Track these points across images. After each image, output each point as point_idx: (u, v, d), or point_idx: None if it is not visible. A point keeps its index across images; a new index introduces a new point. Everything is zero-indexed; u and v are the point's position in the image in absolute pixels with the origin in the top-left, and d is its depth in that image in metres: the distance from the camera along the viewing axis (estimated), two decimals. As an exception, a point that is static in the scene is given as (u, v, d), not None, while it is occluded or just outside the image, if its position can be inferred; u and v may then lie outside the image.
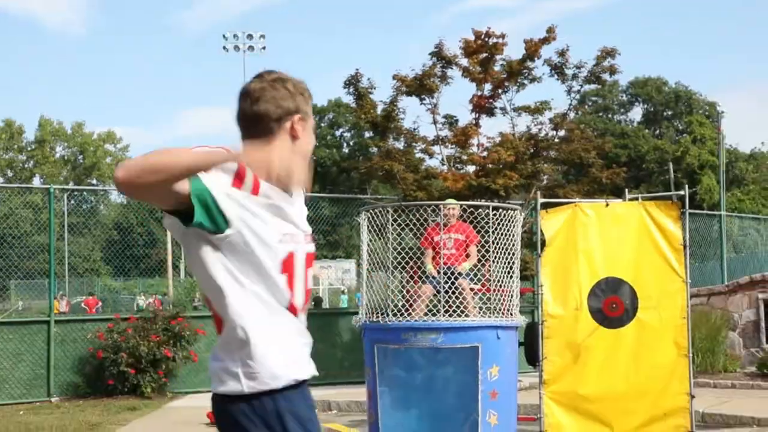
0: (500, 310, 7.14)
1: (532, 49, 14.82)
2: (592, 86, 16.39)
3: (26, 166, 60.58)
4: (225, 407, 2.51)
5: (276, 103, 2.57)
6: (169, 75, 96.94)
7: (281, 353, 2.51)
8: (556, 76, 15.12)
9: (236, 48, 42.07)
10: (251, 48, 41.95)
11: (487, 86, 15.11)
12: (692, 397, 7.74)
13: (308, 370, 2.60)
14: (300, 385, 2.54)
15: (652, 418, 7.70)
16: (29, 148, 60.74)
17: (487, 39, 14.89)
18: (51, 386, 12.17)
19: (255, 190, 2.46)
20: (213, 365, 2.55)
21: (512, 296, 7.25)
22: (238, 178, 2.43)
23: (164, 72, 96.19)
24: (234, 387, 2.48)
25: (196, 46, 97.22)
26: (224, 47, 42.29)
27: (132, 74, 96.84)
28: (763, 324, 13.35)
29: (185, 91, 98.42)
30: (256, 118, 2.56)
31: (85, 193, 45.26)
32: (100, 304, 27.52)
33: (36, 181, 57.87)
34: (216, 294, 2.50)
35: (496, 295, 7.19)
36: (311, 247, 2.67)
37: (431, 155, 15.57)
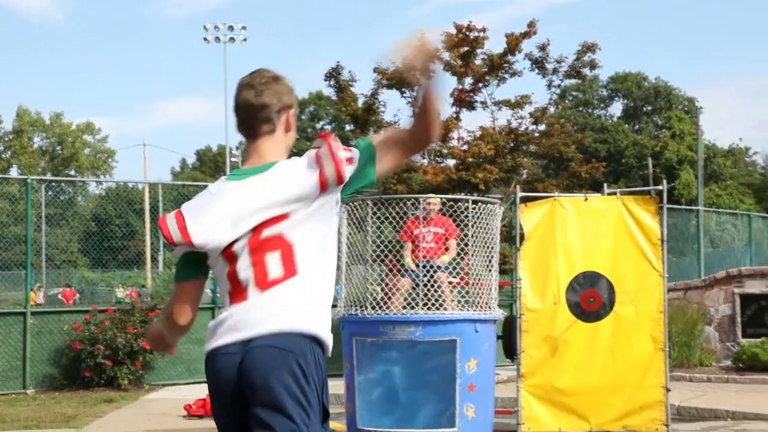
0: (479, 303, 7.16)
1: (512, 44, 14.83)
2: (573, 81, 16.41)
3: (3, 156, 59.96)
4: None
5: (278, 97, 2.84)
6: (149, 65, 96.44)
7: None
8: (536, 71, 15.15)
9: (217, 39, 41.68)
10: (232, 39, 41.62)
11: (468, 80, 15.12)
12: (668, 390, 7.79)
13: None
14: None
15: (628, 411, 7.75)
16: (6, 138, 60.13)
17: (468, 33, 14.88)
18: (27, 378, 12.09)
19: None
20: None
21: (491, 290, 7.28)
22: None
23: (143, 62, 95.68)
24: None
25: (176, 36, 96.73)
26: (205, 38, 41.91)
27: (111, 64, 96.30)
28: (738, 318, 13.45)
29: (165, 81, 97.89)
30: (262, 107, 2.82)
31: (63, 184, 44.74)
32: (77, 295, 27.31)
33: (13, 172, 57.27)
34: None
35: (475, 288, 7.21)
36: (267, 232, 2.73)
37: (411, 149, 15.56)
